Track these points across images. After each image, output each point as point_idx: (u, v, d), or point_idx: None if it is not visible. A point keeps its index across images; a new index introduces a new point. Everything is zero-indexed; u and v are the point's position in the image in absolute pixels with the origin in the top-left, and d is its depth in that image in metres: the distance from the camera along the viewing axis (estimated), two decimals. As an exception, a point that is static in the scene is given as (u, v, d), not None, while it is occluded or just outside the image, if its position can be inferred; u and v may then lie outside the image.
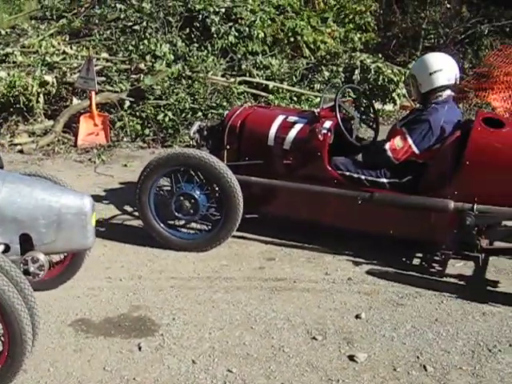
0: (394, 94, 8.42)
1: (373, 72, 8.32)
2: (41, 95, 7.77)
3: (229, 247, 4.61)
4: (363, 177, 4.35)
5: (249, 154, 4.62)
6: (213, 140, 4.81)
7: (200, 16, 8.78)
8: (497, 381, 3.09)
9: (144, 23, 8.77)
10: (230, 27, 8.67)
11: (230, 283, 4.08)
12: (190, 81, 7.90)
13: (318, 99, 7.93)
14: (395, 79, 8.36)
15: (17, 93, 7.61)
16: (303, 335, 3.48)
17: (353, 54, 8.81)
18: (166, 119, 7.44)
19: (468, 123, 4.24)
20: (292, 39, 8.97)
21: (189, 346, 3.38)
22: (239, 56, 8.60)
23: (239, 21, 8.77)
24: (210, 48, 8.55)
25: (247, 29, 8.69)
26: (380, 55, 9.28)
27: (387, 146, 4.30)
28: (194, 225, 4.73)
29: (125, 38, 8.77)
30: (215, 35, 8.65)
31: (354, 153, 4.50)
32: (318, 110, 4.51)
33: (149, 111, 7.56)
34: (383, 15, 11.53)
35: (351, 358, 3.26)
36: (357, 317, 3.66)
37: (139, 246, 4.62)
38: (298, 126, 4.51)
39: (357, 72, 8.34)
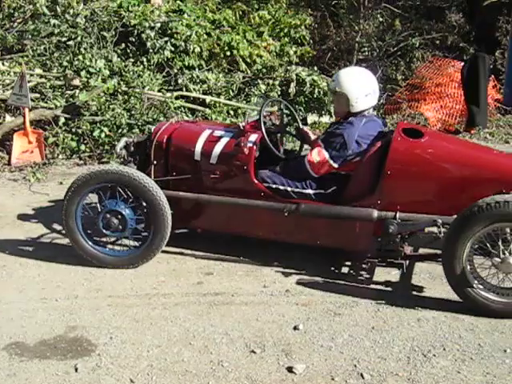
0: (329, 107, 8.55)
1: (308, 85, 8.46)
2: (-28, 113, 7.60)
3: (167, 263, 4.59)
4: (289, 189, 4.38)
5: (176, 169, 4.62)
6: (140, 156, 4.80)
7: (135, 31, 8.74)
8: (431, 385, 3.16)
9: (78, 38, 8.65)
10: (166, 42, 8.65)
11: (168, 299, 4.05)
12: (126, 96, 7.84)
13: (255, 113, 8.00)
14: (330, 92, 8.50)
15: None
16: (242, 349, 3.48)
17: (288, 68, 8.92)
18: (102, 135, 7.36)
19: (389, 134, 4.34)
20: (228, 53, 9.01)
21: (126, 365, 3.33)
22: (175, 71, 8.60)
23: (175, 35, 8.76)
24: (145, 63, 8.51)
25: (183, 43, 8.69)
26: (315, 68, 9.44)
27: (306, 159, 4.36)
28: (123, 241, 4.69)
29: (59, 53, 8.64)
30: (151, 50, 8.62)
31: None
32: (244, 124, 4.55)
33: (84, 127, 7.47)
34: (318, 29, 11.75)
35: (290, 369, 3.28)
36: (295, 328, 3.68)
37: (75, 266, 4.53)
38: (223, 141, 4.53)
39: (292, 85, 8.47)
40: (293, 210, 4.25)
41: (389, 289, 4.21)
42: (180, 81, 8.46)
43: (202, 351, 3.46)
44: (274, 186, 4.42)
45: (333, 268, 4.53)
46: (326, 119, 8.70)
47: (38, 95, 7.93)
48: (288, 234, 4.43)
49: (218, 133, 4.63)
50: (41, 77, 8.26)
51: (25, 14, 9.58)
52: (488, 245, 3.74)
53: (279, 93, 8.49)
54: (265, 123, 4.59)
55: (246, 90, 8.53)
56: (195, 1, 10.39)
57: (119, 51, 8.69)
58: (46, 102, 7.82)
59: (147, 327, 3.71)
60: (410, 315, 3.84)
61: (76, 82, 8.02)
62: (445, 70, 10.20)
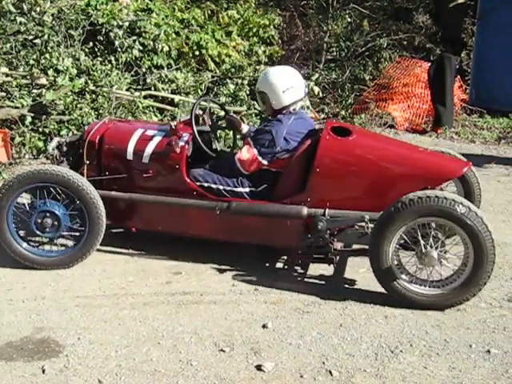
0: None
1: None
2: None
3: (135, 263, 4.57)
4: (221, 187, 4.44)
5: (109, 169, 4.63)
6: (73, 156, 4.79)
7: (103, 30, 8.65)
8: (399, 380, 3.19)
9: (45, 37, 8.52)
10: (134, 41, 8.58)
11: (137, 299, 4.03)
12: (93, 95, 7.76)
13: (223, 112, 8.00)
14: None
15: None
16: (211, 348, 3.48)
17: (257, 67, 8.94)
18: (70, 134, 7.28)
19: (318, 132, 4.42)
20: (197, 53, 9.01)
21: (95, 366, 3.31)
22: (144, 70, 8.55)
23: (143, 34, 8.71)
24: (114, 62, 8.43)
25: (151, 42, 8.64)
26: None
27: (236, 156, 4.43)
28: (57, 241, 4.62)
29: (26, 51, 8.51)
30: (119, 49, 8.54)
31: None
32: (175, 122, 4.57)
33: (52, 127, 7.38)
34: (287, 29, 11.79)
35: (259, 367, 3.29)
36: (264, 326, 3.70)
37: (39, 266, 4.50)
38: (156, 140, 4.55)
39: (262, 85, 8.47)
40: (224, 209, 4.30)
41: (356, 286, 4.26)
42: (148, 80, 8.42)
43: (171, 351, 3.45)
44: (206, 184, 4.46)
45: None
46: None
47: (3, 94, 7.79)
48: (221, 232, 4.47)
49: (150, 132, 4.64)
50: (7, 75, 8.11)
51: (-10, 11, 9.44)
52: (409, 240, 3.88)
53: (248, 92, 8.49)
54: (197, 122, 4.64)
55: (215, 89, 8.52)
56: (164, 0, 10.33)
57: (87, 50, 8.58)
58: (13, 101, 7.68)
59: (115, 327, 3.69)
60: (378, 312, 3.88)
61: (42, 80, 7.91)
62: (412, 71, 10.33)
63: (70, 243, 4.52)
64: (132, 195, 4.52)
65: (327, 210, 4.14)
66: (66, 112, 7.52)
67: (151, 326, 3.70)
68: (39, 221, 4.36)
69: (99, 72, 8.11)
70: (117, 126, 4.91)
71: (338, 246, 4.30)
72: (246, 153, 4.39)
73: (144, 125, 5.00)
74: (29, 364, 3.34)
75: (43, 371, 3.27)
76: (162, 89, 8.35)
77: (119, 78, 8.05)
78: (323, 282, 4.34)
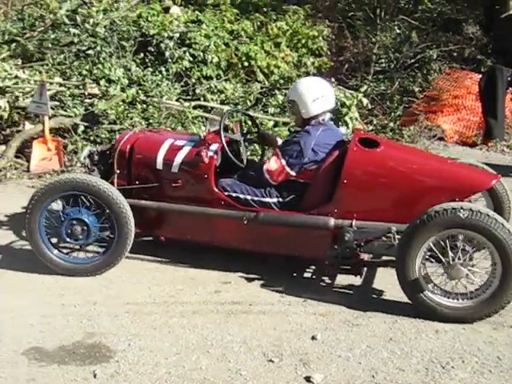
0: (346, 118, 8.54)
1: (326, 96, 8.44)
2: (-8, 120, 7.68)
3: (184, 271, 4.61)
4: (249, 197, 4.45)
5: (139, 178, 4.69)
6: (104, 165, 4.86)
7: (154, 41, 8.82)
8: (450, 398, 3.15)
9: (98, 48, 8.73)
10: (185, 52, 8.72)
11: (186, 307, 4.06)
12: (144, 105, 7.90)
13: (272, 123, 8.04)
14: (347, 103, 8.50)
15: (-33, 117, 7.51)
16: (260, 358, 3.48)
17: (306, 79, 8.93)
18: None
19: (346, 144, 4.42)
20: (246, 64, 9.06)
21: (145, 372, 3.34)
22: (193, 80, 8.65)
23: (193, 45, 8.83)
24: (164, 72, 8.58)
25: (201, 53, 8.76)
26: (332, 79, 9.44)
27: (264, 167, 4.44)
28: (86, 249, 4.72)
29: (79, 62, 8.72)
30: (169, 60, 8.70)
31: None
32: (204, 133, 4.60)
33: (103, 135, 7.52)
34: (335, 40, 11.76)
35: (308, 379, 3.27)
36: (313, 338, 3.69)
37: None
38: (185, 150, 4.59)
39: (310, 96, 8.46)
40: (252, 219, 4.32)
41: (405, 300, 4.20)
42: (198, 91, 8.52)
43: (220, 359, 3.46)
44: (234, 194, 4.48)
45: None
46: (342, 130, 8.68)
47: (57, 103, 7.99)
48: (249, 242, 4.47)
49: (179, 142, 4.69)
50: (60, 85, 8.32)
51: (45, 23, 9.69)
52: (437, 252, 3.84)
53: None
54: (226, 133, 4.67)
55: (264, 100, 8.54)
56: (214, 11, 10.45)
57: (138, 60, 8.77)
58: (66, 111, 7.88)
59: (165, 335, 3.73)
60: (428, 327, 3.83)
61: (94, 90, 8.09)
62: (462, 82, 10.18)
63: (100, 250, 4.59)
64: (161, 204, 4.57)
65: (354, 221, 4.14)
66: (118, 121, 7.65)
67: (200, 335, 3.72)
68: (69, 228, 4.44)
69: (150, 82, 8.25)
70: (147, 136, 4.98)
71: (366, 257, 4.28)
72: (274, 163, 4.40)
73: (174, 135, 5.09)
74: (80, 368, 3.40)
75: (95, 376, 3.32)
76: (211, 99, 8.42)
77: (169, 89, 8.17)
78: (373, 295, 4.30)
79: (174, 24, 9.26)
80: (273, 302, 4.13)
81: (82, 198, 4.39)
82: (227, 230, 4.49)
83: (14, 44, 9.39)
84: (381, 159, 4.25)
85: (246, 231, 4.38)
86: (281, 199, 4.41)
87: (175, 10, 10.08)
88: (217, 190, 4.47)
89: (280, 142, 4.91)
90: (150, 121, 7.64)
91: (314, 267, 4.70)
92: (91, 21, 9.22)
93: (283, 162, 4.37)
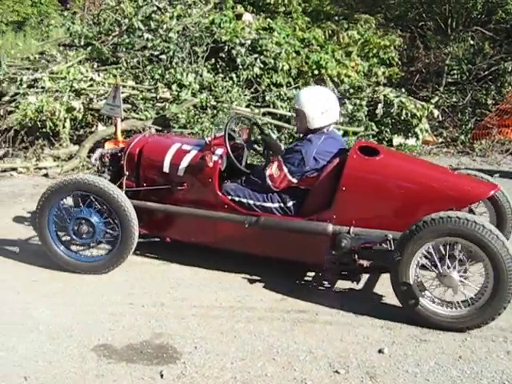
0: (416, 129, 8.44)
1: (396, 106, 8.36)
2: (67, 120, 7.91)
3: (251, 277, 4.62)
4: (251, 202, 4.51)
5: (147, 180, 4.81)
6: (113, 166, 4.97)
7: (226, 47, 8.92)
8: (522, 421, 3.05)
9: (171, 53, 8.91)
10: (256, 59, 8.80)
11: (252, 313, 4.07)
12: (214, 110, 7.99)
13: (341, 132, 7.99)
14: (418, 114, 8.39)
15: (44, 117, 7.76)
16: (325, 368, 3.45)
17: (376, 88, 8.85)
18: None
19: (347, 151, 4.43)
20: (316, 72, 9.05)
21: (210, 376, 3.37)
22: (263, 87, 8.70)
23: (264, 53, 8.89)
24: (235, 79, 8.67)
25: (272, 61, 8.81)
26: (403, 90, 9.33)
27: (267, 173, 4.49)
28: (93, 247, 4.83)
29: (151, 66, 8.91)
30: (240, 66, 8.78)
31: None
32: (210, 138, 4.63)
33: (173, 139, 7.63)
34: (407, 50, 11.60)
35: (374, 393, 3.24)
36: (380, 351, 3.63)
37: (161, 273, 4.67)
38: (191, 154, 4.68)
39: (380, 106, 8.39)
40: (253, 223, 4.40)
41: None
42: (268, 97, 8.55)
43: (286, 367, 3.45)
44: (237, 198, 4.55)
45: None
46: (412, 142, 8.57)
47: (129, 106, 8.17)
48: (250, 246, 4.53)
49: (186, 146, 4.79)
50: (133, 88, 8.52)
51: (120, 28, 9.93)
52: (429, 259, 3.87)
53: (366, 113, 8.41)
54: (233, 138, 4.74)
55: (333, 108, 8.48)
56: (285, 19, 10.49)
57: (209, 66, 8.88)
58: (138, 113, 8.06)
59: (231, 339, 3.74)
60: (499, 347, 3.71)
61: (166, 94, 8.23)
62: (538, 96, 9.88)
63: (106, 250, 4.74)
64: (167, 206, 4.69)
65: (352, 227, 4.17)
66: (188, 126, 7.75)
67: (266, 342, 3.72)
68: (76, 226, 4.59)
69: (220, 88, 8.36)
70: (156, 140, 5.12)
71: (365, 263, 4.24)
72: (276, 170, 4.46)
73: (182, 139, 5.20)
74: (148, 368, 3.45)
75: (161, 376, 3.36)
76: (281, 107, 8.44)
77: (239, 95, 8.24)
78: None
79: (246, 31, 9.36)
80: (339, 313, 4.09)
81: (91, 198, 4.55)
82: (230, 234, 4.58)
83: (89, 47, 9.67)
84: (380, 167, 4.28)
85: (248, 235, 4.47)
86: (282, 204, 4.48)
87: (247, 17, 10.17)
88: (220, 194, 4.56)
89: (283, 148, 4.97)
90: (220, 126, 7.70)
91: (385, 283, 4.63)
92: (165, 26, 9.44)
93: (285, 169, 4.43)
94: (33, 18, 14.03)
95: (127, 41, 9.41)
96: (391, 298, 4.30)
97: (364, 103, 8.49)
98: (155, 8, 9.93)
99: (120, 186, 4.69)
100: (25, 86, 8.51)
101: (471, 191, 4.14)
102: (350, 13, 11.46)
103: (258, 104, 8.50)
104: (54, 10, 14.22)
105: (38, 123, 7.80)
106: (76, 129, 8.17)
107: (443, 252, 3.85)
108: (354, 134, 8.04)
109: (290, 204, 4.46)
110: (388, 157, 4.43)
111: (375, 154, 4.31)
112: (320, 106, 4.43)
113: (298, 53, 9.18)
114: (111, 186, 4.52)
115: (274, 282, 4.55)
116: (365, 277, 4.59)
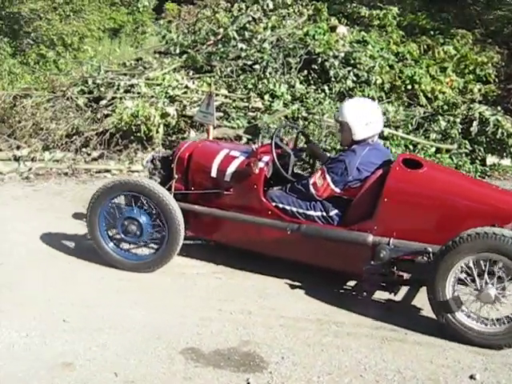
0: (512, 149, 8.15)
1: (492, 125, 8.10)
2: (161, 126, 8.10)
3: (338, 289, 4.60)
4: (295, 209, 4.57)
5: (195, 184, 4.93)
6: (164, 170, 5.10)
7: (319, 59, 8.91)
8: None
9: (264, 63, 8.98)
10: (349, 71, 8.74)
11: (340, 328, 4.04)
12: (305, 122, 7.99)
13: (433, 149, 7.84)
14: (515, 133, 8.10)
15: (139, 122, 7.97)
16: (414, 389, 3.39)
17: (471, 106, 8.61)
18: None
19: (390, 163, 4.45)
20: (409, 87, 8.91)
21: (297, 388, 3.37)
22: (355, 100, 8.62)
23: (358, 66, 8.83)
24: (327, 91, 8.64)
25: (365, 74, 8.74)
26: (499, 108, 9.04)
27: (311, 181, 4.54)
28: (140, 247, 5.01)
29: (244, 76, 9.01)
30: (333, 78, 8.75)
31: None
32: (256, 146, 4.71)
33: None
34: (504, 67, 11.24)
35: (465, 419, 3.14)
36: (471, 377, 3.52)
37: (250, 282, 4.72)
38: (238, 160, 4.79)
39: (475, 124, 8.15)
40: (295, 230, 4.46)
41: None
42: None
43: (374, 385, 3.41)
44: (281, 205, 4.62)
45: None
46: (507, 162, 8.28)
47: (222, 114, 8.29)
48: (292, 253, 4.59)
49: (234, 153, 4.90)
50: (226, 97, 8.65)
51: (215, 37, 10.11)
52: (467, 275, 3.84)
53: (459, 131, 8.20)
54: (280, 147, 4.81)
55: (425, 125, 8.32)
56: (379, 32, 10.39)
57: (302, 78, 8.90)
58: (230, 122, 8.16)
59: (318, 353, 3.73)
60: None
61: (258, 104, 8.31)
62: None
63: (152, 249, 4.90)
64: (213, 210, 4.79)
65: (392, 239, 4.16)
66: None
67: (354, 358, 3.68)
68: (125, 226, 4.73)
69: (312, 100, 8.34)
70: (205, 145, 5.24)
71: (405, 275, 4.20)
72: (319, 179, 4.51)
73: (230, 146, 5.36)
74: (234, 374, 3.48)
75: (248, 384, 3.39)
76: (372, 120, 8.33)
77: (331, 107, 8.20)
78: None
79: (340, 43, 9.33)
80: (431, 333, 3.98)
81: (141, 199, 4.69)
82: (272, 239, 4.63)
83: (184, 55, 9.89)
84: (422, 180, 4.29)
85: (290, 242, 4.52)
86: (324, 213, 4.51)
87: (342, 29, 10.13)
88: (265, 200, 4.64)
89: (326, 156, 5.03)
90: (310, 138, 7.70)
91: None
92: (259, 37, 9.54)
93: (329, 179, 4.48)
94: (128, 26, 14.44)
95: (222, 50, 9.55)
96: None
97: (458, 120, 8.27)
98: (250, 18, 10.05)
99: (169, 189, 4.84)
100: (122, 90, 8.77)
101: None
102: (446, 27, 11.18)
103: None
104: (149, 18, 14.60)
105: (133, 127, 8.01)
106: (169, 134, 8.35)
107: (483, 267, 3.79)
108: (447, 151, 7.85)
109: (332, 213, 4.50)
110: (431, 170, 4.44)
111: (419, 166, 4.32)
112: (364, 117, 4.47)
113: (391, 67, 9.06)
114: (160, 188, 4.69)
115: (366, 299, 4.51)
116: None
